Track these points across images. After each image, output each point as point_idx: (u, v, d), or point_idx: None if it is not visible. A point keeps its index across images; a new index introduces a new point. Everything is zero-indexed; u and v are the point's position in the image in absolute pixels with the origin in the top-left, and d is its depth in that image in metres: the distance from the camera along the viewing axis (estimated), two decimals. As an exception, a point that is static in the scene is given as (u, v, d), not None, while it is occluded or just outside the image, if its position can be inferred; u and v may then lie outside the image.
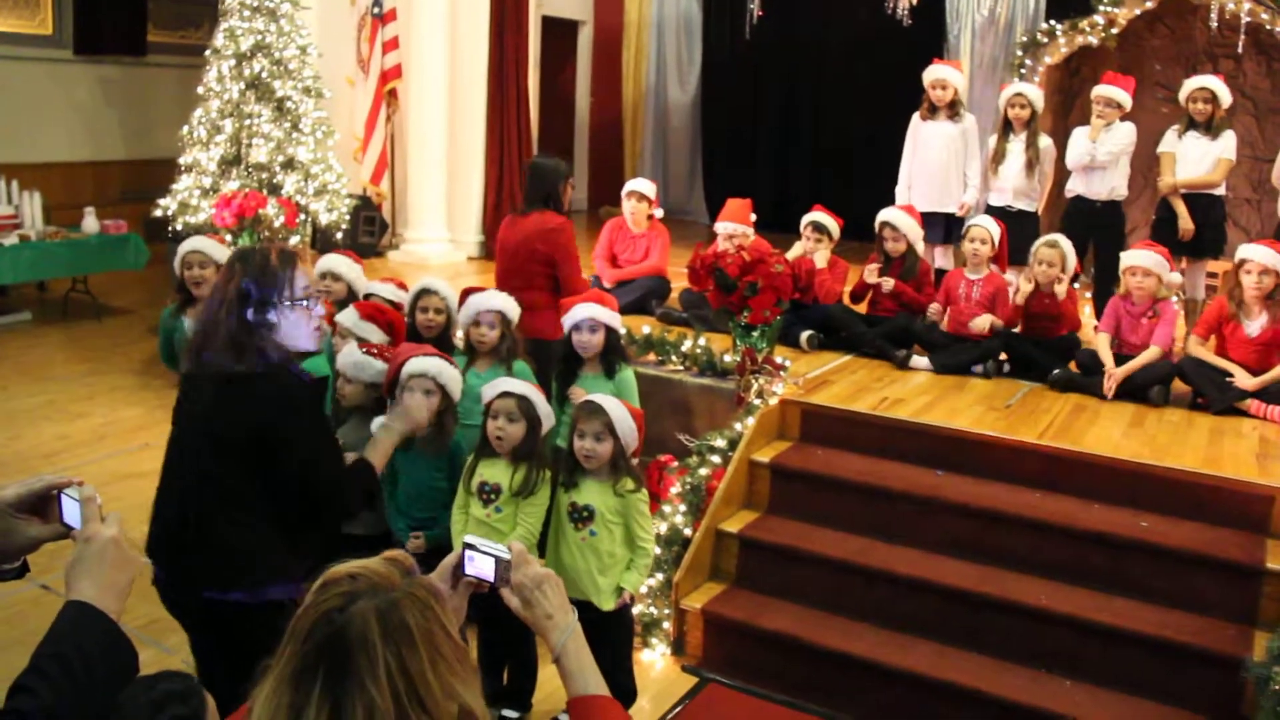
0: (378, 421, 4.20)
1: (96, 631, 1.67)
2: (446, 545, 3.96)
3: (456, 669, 1.55)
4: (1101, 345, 5.89)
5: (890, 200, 7.16)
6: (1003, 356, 6.15)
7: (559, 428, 4.77)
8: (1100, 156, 6.89)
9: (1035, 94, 7.13)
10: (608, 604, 3.95)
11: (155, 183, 9.75)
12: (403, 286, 5.54)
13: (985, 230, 6.28)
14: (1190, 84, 6.92)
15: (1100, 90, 6.96)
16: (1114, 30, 8.83)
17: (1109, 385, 5.66)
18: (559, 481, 4.04)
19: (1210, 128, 6.82)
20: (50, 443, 6.93)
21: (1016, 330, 6.19)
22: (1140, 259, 5.80)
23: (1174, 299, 6.09)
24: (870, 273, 6.56)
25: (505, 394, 4.02)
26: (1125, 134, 6.92)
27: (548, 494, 4.07)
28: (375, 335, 4.66)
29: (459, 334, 5.06)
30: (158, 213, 7.99)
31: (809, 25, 11.77)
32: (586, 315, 4.74)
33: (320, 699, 1.46)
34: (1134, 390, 5.66)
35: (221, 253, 5.17)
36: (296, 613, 1.56)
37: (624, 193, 7.35)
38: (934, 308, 6.31)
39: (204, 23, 12.81)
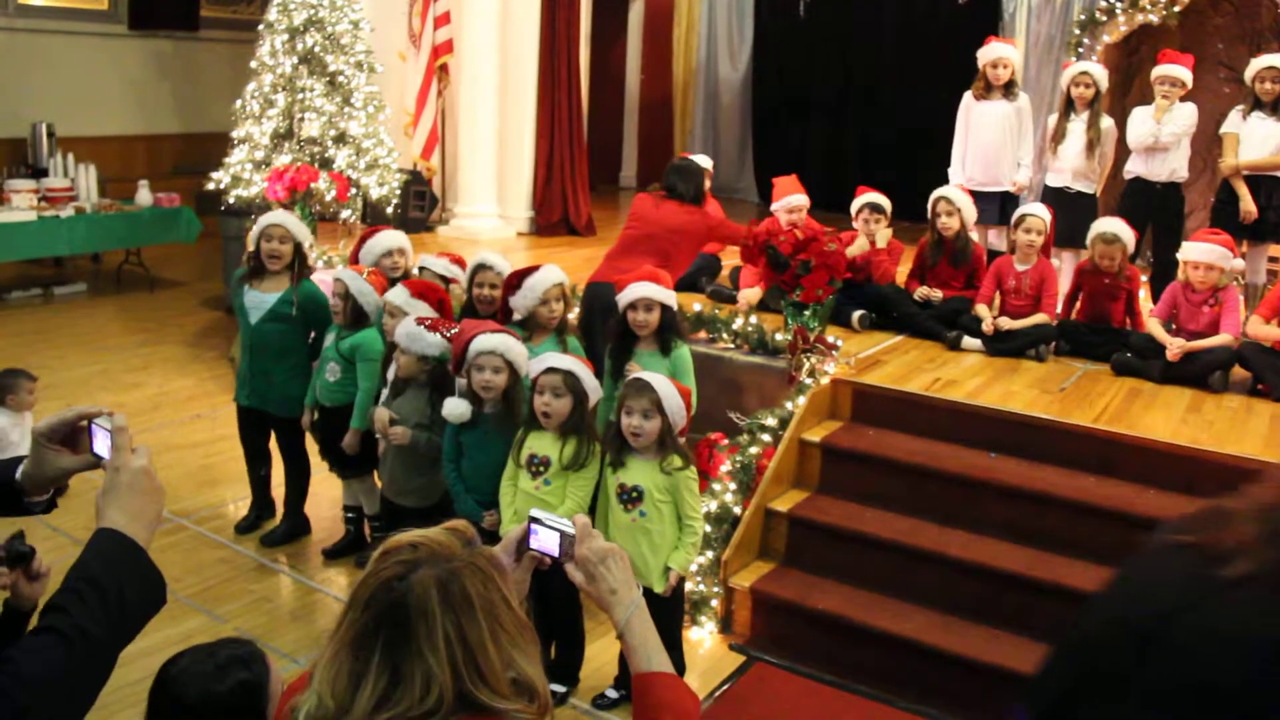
0: (450, 403, 4.24)
1: (126, 558, 1.66)
2: None
3: (517, 639, 1.54)
4: (1155, 328, 5.79)
5: (943, 180, 7.07)
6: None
7: (614, 403, 4.77)
8: (1164, 138, 6.76)
9: (1100, 73, 6.99)
10: (659, 585, 3.94)
11: (207, 156, 9.82)
12: (459, 262, 5.55)
13: (1041, 221, 6.17)
14: (1258, 63, 6.74)
15: (1163, 70, 6.82)
16: (1176, 8, 8.65)
17: (1173, 353, 5.56)
18: (606, 461, 4.02)
19: (1277, 108, 6.66)
20: (105, 412, 7.02)
21: (1072, 315, 6.12)
22: (1203, 253, 5.67)
23: (1234, 283, 5.98)
24: (921, 294, 6.47)
25: (551, 369, 4.02)
26: (1188, 115, 6.79)
27: (597, 467, 4.06)
28: (425, 312, 4.70)
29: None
30: (210, 186, 8.05)
31: (863, 3, 11.65)
32: (642, 294, 4.72)
33: (380, 666, 1.47)
34: (1193, 375, 5.56)
35: (302, 231, 5.23)
36: (357, 580, 1.56)
37: None
38: (981, 309, 6.20)
39: (256, -3, 12.90)
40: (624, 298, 4.76)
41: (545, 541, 1.89)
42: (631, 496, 3.93)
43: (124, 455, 1.78)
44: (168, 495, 5.99)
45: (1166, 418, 5.10)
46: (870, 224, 6.60)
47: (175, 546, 5.29)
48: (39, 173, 10.40)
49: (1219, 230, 6.02)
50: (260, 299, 5.17)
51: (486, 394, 4.20)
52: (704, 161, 7.30)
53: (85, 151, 10.72)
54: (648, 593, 3.91)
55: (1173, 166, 6.84)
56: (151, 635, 4.62)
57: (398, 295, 4.79)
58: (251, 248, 5.15)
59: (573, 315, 5.48)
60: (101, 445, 1.85)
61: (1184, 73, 6.77)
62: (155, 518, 1.76)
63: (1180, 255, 5.87)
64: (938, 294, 6.40)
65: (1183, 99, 6.83)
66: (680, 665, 4.16)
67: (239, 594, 4.89)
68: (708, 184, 6.04)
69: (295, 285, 5.19)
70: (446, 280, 5.33)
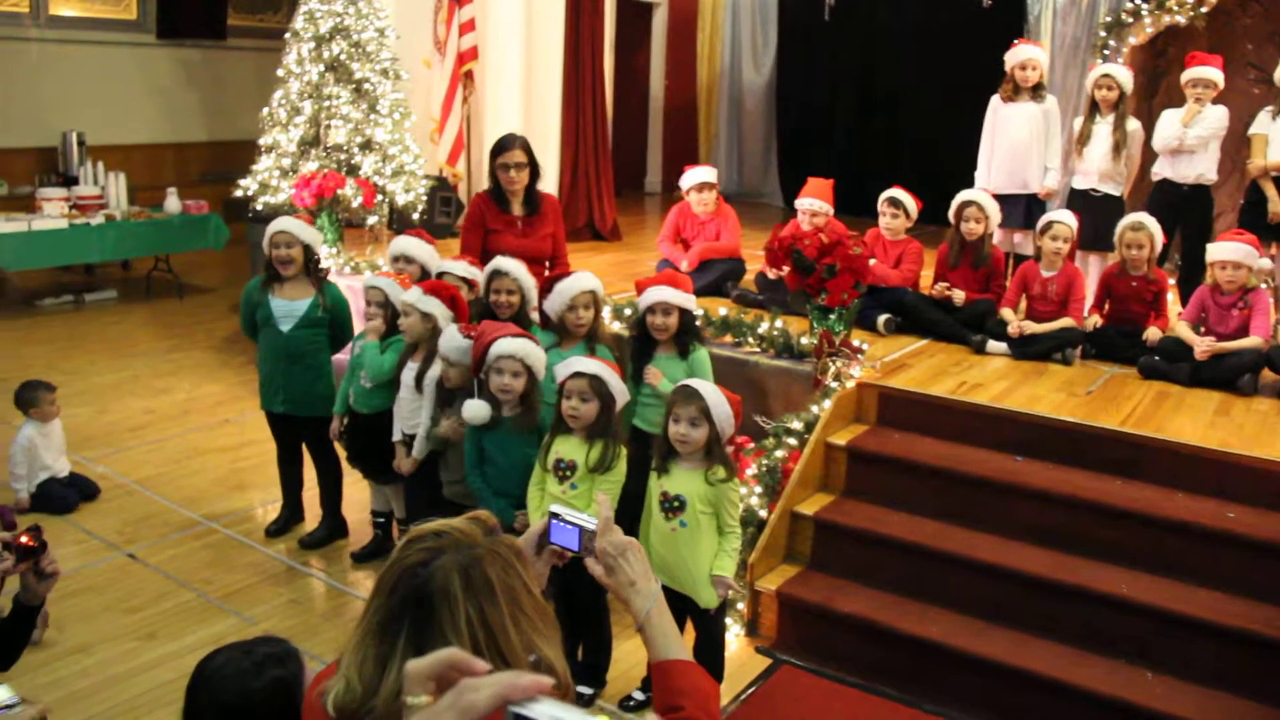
0: (470, 404, 4.25)
1: None
2: None
3: (537, 624, 1.58)
4: (1183, 329, 5.77)
5: (968, 184, 7.04)
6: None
7: (634, 407, 4.78)
8: (1189, 140, 6.72)
9: (1124, 75, 6.96)
10: (703, 597, 3.92)
11: (235, 164, 9.92)
12: (475, 263, 5.58)
13: (1068, 228, 6.15)
14: (1285, 63, 6.72)
15: (1195, 73, 6.75)
16: (1203, 9, 8.60)
17: (1202, 350, 5.54)
18: (652, 466, 4.02)
19: (1307, 109, 6.62)
20: (136, 417, 7.10)
21: (1098, 321, 6.10)
22: (1228, 252, 5.65)
23: (1263, 285, 5.95)
24: (940, 290, 6.46)
25: (578, 374, 4.03)
26: (1217, 118, 6.74)
27: (624, 470, 4.07)
28: (439, 309, 4.73)
29: (534, 315, 5.07)
30: (238, 193, 8.12)
31: (887, 6, 11.63)
32: (660, 298, 4.74)
33: (405, 650, 1.52)
34: (1221, 378, 5.53)
35: (309, 233, 5.27)
36: (383, 567, 1.60)
37: (685, 189, 7.16)
38: (1007, 313, 6.20)
39: (282, 6, 12.99)
40: (643, 302, 4.79)
41: (565, 536, 1.91)
42: (674, 506, 3.90)
43: None
44: (197, 499, 6.02)
45: (1195, 420, 5.07)
46: (888, 217, 6.65)
47: (205, 549, 5.34)
48: (70, 181, 10.52)
49: (1243, 230, 5.99)
50: (289, 307, 5.22)
51: (504, 397, 4.22)
52: (708, 174, 7.20)
53: (115, 160, 10.84)
54: (694, 607, 3.91)
55: (1200, 169, 6.80)
56: (183, 637, 4.68)
57: (411, 294, 4.85)
58: (267, 255, 5.24)
59: (618, 325, 5.47)
60: None
61: (1216, 74, 6.72)
62: None
63: (1207, 257, 5.85)
64: (960, 294, 6.38)
65: (1213, 101, 6.79)
66: (719, 673, 4.14)
67: (269, 596, 4.93)
68: (511, 171, 6.05)
69: (320, 290, 5.27)
70: (468, 282, 5.36)
